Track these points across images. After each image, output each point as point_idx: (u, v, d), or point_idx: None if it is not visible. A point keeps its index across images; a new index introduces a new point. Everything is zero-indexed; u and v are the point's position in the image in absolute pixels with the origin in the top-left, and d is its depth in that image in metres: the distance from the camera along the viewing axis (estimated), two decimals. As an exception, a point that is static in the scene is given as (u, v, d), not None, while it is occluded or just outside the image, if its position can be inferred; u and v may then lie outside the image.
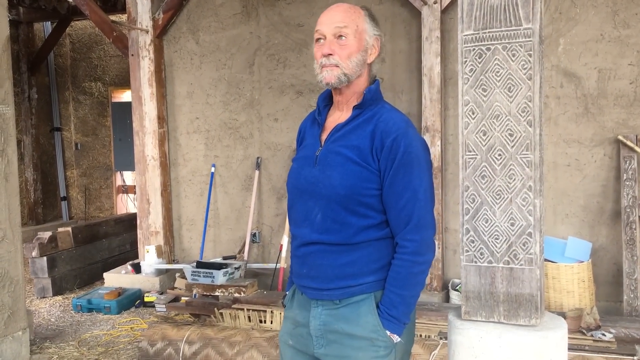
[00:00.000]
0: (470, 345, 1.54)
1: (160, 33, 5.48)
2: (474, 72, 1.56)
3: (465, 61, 1.57)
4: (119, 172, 8.89)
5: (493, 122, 1.55)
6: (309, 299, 1.74)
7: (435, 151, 4.58)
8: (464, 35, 1.57)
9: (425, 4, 4.54)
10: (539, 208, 1.52)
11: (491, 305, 1.57)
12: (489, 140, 1.55)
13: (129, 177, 9.03)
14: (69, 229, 5.84)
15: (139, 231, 5.67)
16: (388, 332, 1.66)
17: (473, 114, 1.57)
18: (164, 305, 4.79)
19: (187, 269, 4.73)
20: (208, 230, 5.50)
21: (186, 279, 4.78)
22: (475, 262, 1.59)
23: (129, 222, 6.64)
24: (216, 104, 5.46)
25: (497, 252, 1.56)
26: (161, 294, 5.11)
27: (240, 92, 5.37)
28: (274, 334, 3.58)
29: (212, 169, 5.47)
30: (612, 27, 4.22)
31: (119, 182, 9.00)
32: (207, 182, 5.50)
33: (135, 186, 6.17)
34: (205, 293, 4.52)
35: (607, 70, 4.25)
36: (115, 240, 6.48)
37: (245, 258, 5.18)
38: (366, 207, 1.66)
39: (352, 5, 1.74)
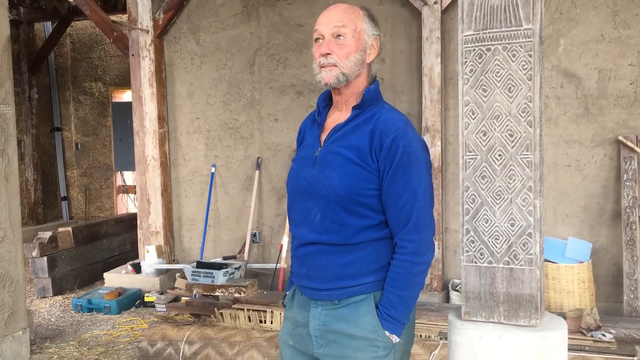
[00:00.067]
0: (470, 346, 1.54)
1: (161, 33, 5.48)
2: (474, 73, 1.56)
3: (466, 61, 1.57)
4: (119, 172, 8.89)
5: (493, 122, 1.55)
6: (308, 299, 1.74)
7: (435, 151, 4.58)
8: (464, 36, 1.57)
9: (426, 4, 4.54)
10: (539, 208, 1.52)
11: (491, 305, 1.57)
12: (489, 140, 1.55)
13: (129, 177, 9.03)
14: (69, 228, 5.85)
15: (139, 231, 5.67)
16: (387, 333, 1.66)
17: (473, 114, 1.57)
18: (164, 305, 4.79)
19: (187, 269, 4.73)
20: (208, 230, 5.50)
21: (186, 279, 4.78)
22: (476, 262, 1.59)
23: (129, 222, 6.64)
24: (216, 104, 5.46)
25: (497, 253, 1.56)
26: (161, 294, 5.11)
27: (241, 92, 5.37)
28: (274, 334, 3.58)
29: (213, 169, 5.48)
30: (613, 28, 4.22)
31: (119, 182, 9.01)
32: (208, 182, 5.50)
33: (135, 186, 6.17)
34: (205, 293, 4.52)
35: (608, 71, 4.25)
36: (116, 240, 6.48)
37: (246, 258, 5.18)
38: (365, 208, 1.66)
39: (351, 6, 1.74)
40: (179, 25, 5.51)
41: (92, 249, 6.10)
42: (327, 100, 1.82)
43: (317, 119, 1.82)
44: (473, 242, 1.58)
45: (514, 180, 1.53)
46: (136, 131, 5.61)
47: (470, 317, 1.60)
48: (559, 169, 4.40)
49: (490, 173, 1.56)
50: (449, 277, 4.75)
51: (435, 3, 4.52)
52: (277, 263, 5.03)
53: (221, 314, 4.03)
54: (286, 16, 5.16)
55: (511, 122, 1.53)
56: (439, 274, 4.67)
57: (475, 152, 1.57)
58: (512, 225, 1.54)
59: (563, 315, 3.40)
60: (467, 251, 1.59)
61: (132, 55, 5.53)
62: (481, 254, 1.58)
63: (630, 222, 4.07)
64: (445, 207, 4.72)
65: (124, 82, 8.43)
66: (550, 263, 4.04)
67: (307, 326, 1.74)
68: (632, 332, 3.39)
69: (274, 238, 5.32)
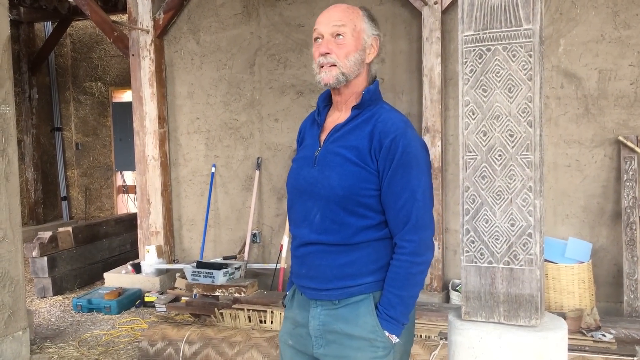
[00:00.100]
0: (470, 346, 1.54)
1: (161, 33, 5.48)
2: (474, 73, 1.56)
3: (466, 62, 1.57)
4: (119, 172, 8.89)
5: (493, 122, 1.55)
6: (308, 299, 1.74)
7: (435, 152, 4.58)
8: (465, 36, 1.57)
9: (426, 4, 4.54)
10: (539, 209, 1.52)
11: (491, 305, 1.57)
12: (489, 140, 1.55)
13: (129, 177, 9.03)
14: (70, 228, 5.85)
15: (139, 231, 5.67)
16: (386, 333, 1.66)
17: (473, 114, 1.57)
18: (164, 305, 4.79)
19: (188, 269, 4.73)
20: (208, 230, 5.50)
21: (186, 279, 4.78)
22: (476, 262, 1.59)
23: (130, 222, 6.64)
24: (217, 104, 5.46)
25: (497, 253, 1.56)
26: (161, 294, 5.11)
27: (241, 92, 5.37)
28: (274, 334, 3.58)
29: (213, 169, 5.48)
30: (613, 28, 4.22)
31: (119, 182, 9.01)
32: (208, 182, 5.50)
33: (135, 186, 6.17)
34: (205, 293, 4.52)
35: (608, 71, 4.25)
36: (116, 240, 6.48)
37: (246, 258, 5.18)
38: (365, 208, 1.66)
39: (351, 6, 1.74)
40: (179, 25, 5.51)
41: (92, 249, 6.10)
42: (327, 101, 1.83)
43: (316, 119, 1.82)
44: (473, 242, 1.58)
45: (514, 180, 1.53)
46: (136, 131, 5.61)
47: (470, 317, 1.60)
48: (559, 169, 4.40)
49: (490, 173, 1.56)
50: (449, 277, 4.75)
51: (436, 3, 4.52)
52: (277, 263, 5.03)
53: (221, 314, 4.03)
54: (286, 16, 5.16)
55: (511, 122, 1.53)
56: (439, 274, 4.67)
57: (475, 152, 1.57)
58: (512, 225, 1.54)
59: (563, 315, 3.39)
60: (467, 251, 1.59)
61: (133, 55, 5.53)
62: (481, 254, 1.58)
63: (630, 222, 4.07)
64: (445, 207, 4.72)
65: (124, 82, 8.43)
66: (550, 263, 4.04)
67: (306, 326, 1.74)
68: (632, 332, 3.39)
69: (274, 238, 5.32)
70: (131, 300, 5.09)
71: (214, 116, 5.47)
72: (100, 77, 8.85)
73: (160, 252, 5.41)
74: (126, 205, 8.96)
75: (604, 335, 3.26)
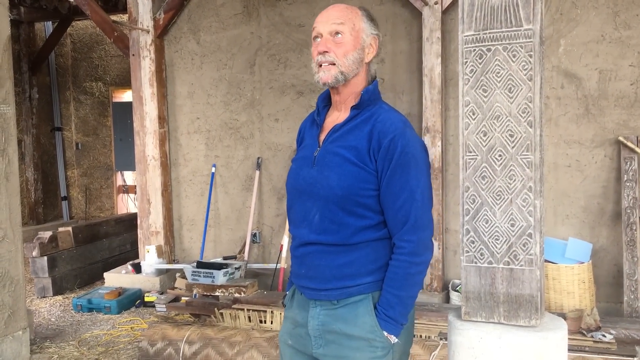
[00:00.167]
0: (470, 346, 1.54)
1: (161, 33, 5.48)
2: (474, 73, 1.56)
3: (466, 62, 1.57)
4: (119, 172, 8.89)
5: (493, 122, 1.55)
6: (307, 299, 1.74)
7: (435, 152, 4.58)
8: (465, 36, 1.57)
9: (426, 4, 4.54)
10: (539, 209, 1.52)
11: (491, 305, 1.57)
12: (489, 140, 1.55)
13: (129, 177, 9.03)
14: (70, 228, 5.85)
15: (139, 231, 5.67)
16: (385, 333, 1.66)
17: (473, 114, 1.57)
18: (164, 305, 4.79)
19: (188, 269, 4.73)
20: (208, 230, 5.50)
21: (186, 279, 4.78)
22: (476, 262, 1.58)
23: (130, 222, 6.64)
24: (217, 104, 5.46)
25: (497, 253, 1.56)
26: (161, 293, 5.11)
27: (241, 92, 5.37)
28: (274, 334, 3.58)
29: (213, 169, 5.48)
30: (613, 28, 4.22)
31: (119, 182, 9.01)
32: (208, 182, 5.50)
33: (135, 186, 6.17)
34: (205, 293, 4.52)
35: (608, 71, 4.25)
36: (116, 240, 6.48)
37: (246, 258, 5.18)
38: (364, 208, 1.66)
39: (350, 6, 1.75)
40: (179, 25, 5.51)
41: (92, 248, 6.10)
42: (326, 101, 1.83)
43: (316, 119, 1.82)
44: (473, 242, 1.58)
45: (514, 180, 1.53)
46: (136, 131, 5.61)
47: (470, 318, 1.60)
48: (559, 170, 4.40)
49: (490, 173, 1.55)
50: (449, 277, 4.75)
51: (436, 3, 4.52)
52: (277, 263, 5.03)
53: (221, 314, 4.03)
54: (287, 16, 5.16)
55: (511, 122, 1.53)
56: (439, 274, 4.67)
57: (475, 152, 1.57)
58: (512, 225, 1.54)
59: (563, 315, 3.39)
60: (467, 251, 1.59)
61: (133, 55, 5.53)
62: (481, 254, 1.58)
63: (630, 222, 4.07)
64: (445, 208, 4.72)
65: (125, 82, 8.43)
66: (550, 263, 4.04)
67: (306, 326, 1.74)
68: (632, 332, 3.39)
69: (274, 238, 5.32)
70: (131, 300, 5.10)
71: (214, 116, 5.47)
72: (101, 77, 8.85)
73: (160, 252, 5.42)
74: (126, 205, 8.97)
75: (604, 335, 3.26)
